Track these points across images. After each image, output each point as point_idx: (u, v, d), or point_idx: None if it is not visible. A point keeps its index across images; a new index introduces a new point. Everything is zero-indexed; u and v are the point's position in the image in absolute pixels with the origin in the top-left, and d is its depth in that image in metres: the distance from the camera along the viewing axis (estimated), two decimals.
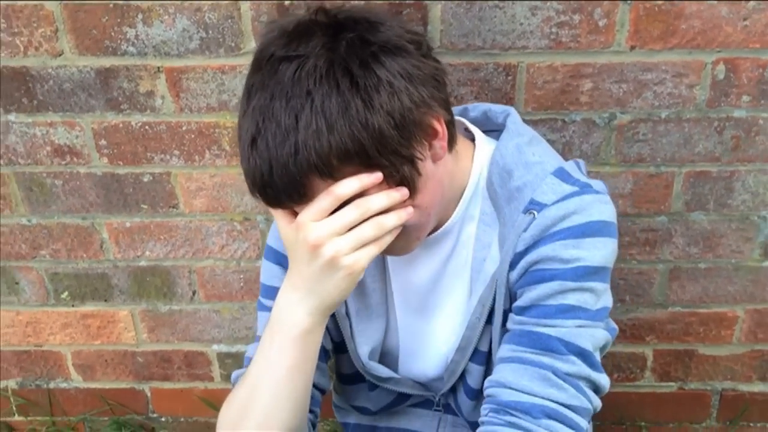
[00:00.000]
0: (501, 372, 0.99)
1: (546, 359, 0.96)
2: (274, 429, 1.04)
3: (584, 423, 0.97)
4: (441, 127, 0.94)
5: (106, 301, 1.62)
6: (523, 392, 0.96)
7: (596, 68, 1.32)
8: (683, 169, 1.41)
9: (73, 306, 1.62)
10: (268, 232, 1.19)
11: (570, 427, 0.95)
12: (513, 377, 0.97)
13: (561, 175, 1.02)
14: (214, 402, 1.73)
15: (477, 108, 1.17)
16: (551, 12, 1.27)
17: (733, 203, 1.44)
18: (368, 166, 0.89)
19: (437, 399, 1.24)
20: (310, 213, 0.92)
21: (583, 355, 0.97)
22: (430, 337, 1.18)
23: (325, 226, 0.92)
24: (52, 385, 1.74)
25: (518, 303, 1.01)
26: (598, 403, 1.00)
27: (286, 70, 0.87)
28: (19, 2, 1.29)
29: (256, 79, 0.91)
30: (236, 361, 1.67)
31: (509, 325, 1.03)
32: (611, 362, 1.64)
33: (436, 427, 1.28)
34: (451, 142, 1.00)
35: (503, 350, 1.01)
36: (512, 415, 0.96)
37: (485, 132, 1.13)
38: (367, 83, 0.87)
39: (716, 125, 1.36)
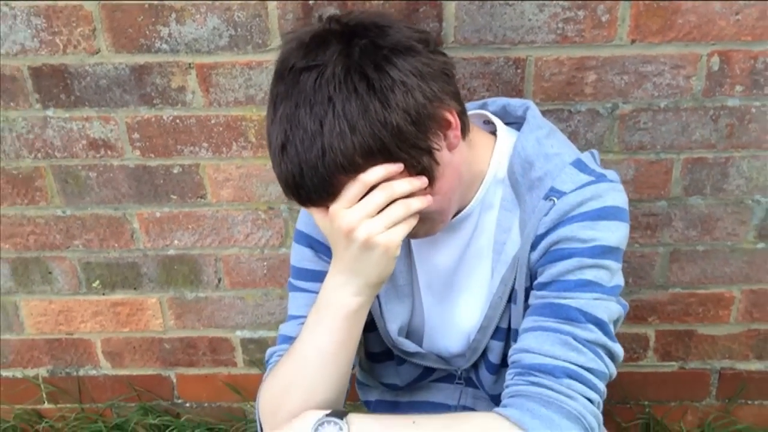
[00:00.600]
0: (524, 340, 1.07)
1: (566, 327, 1.05)
2: (316, 403, 1.12)
3: (602, 385, 1.05)
4: (453, 118, 1.03)
5: (135, 289, 1.70)
6: (545, 356, 1.04)
7: (599, 61, 1.41)
8: (681, 156, 1.50)
9: (103, 294, 1.71)
10: (298, 219, 1.27)
11: (589, 387, 1.03)
12: (536, 343, 1.05)
13: (578, 165, 1.11)
14: (237, 387, 1.81)
15: (496, 102, 1.25)
16: (558, 8, 1.36)
17: (728, 188, 1.53)
18: (390, 161, 0.98)
19: (459, 373, 1.32)
20: (341, 202, 1.00)
21: (600, 324, 1.06)
22: (454, 316, 1.26)
23: (355, 211, 1.00)
24: (81, 373, 1.82)
25: (540, 280, 1.09)
26: (613, 369, 1.08)
27: (307, 79, 0.96)
28: (60, 3, 1.38)
29: (280, 89, 0.99)
30: (259, 347, 1.75)
31: (531, 300, 1.11)
32: None
33: (458, 399, 1.35)
34: (464, 131, 1.09)
35: (526, 322, 1.09)
36: (535, 376, 1.04)
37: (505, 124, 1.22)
38: (382, 85, 0.95)
39: (712, 114, 1.46)
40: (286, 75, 0.97)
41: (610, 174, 1.12)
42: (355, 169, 0.96)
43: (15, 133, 1.52)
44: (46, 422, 1.88)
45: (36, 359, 1.81)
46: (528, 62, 1.41)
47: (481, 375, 1.29)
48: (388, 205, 1.02)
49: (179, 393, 1.85)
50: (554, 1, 1.35)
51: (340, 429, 1.02)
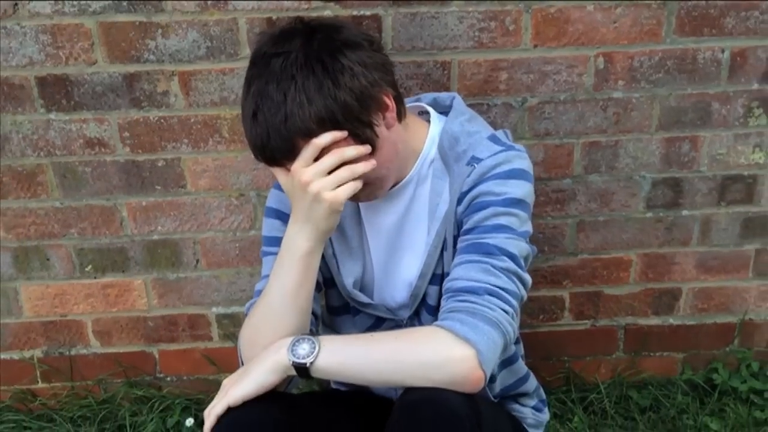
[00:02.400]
0: (454, 272, 1.37)
1: (486, 258, 1.35)
2: (286, 323, 1.40)
3: (515, 302, 1.35)
4: (390, 102, 1.35)
5: (123, 272, 1.95)
6: (470, 280, 1.34)
7: (510, 63, 1.75)
8: (580, 140, 1.84)
9: (95, 278, 1.96)
10: (267, 199, 1.57)
11: (504, 302, 1.33)
12: (463, 272, 1.35)
13: (493, 139, 1.44)
14: (213, 359, 2.06)
15: (428, 96, 1.58)
16: (474, 20, 1.70)
17: (619, 166, 1.87)
18: (338, 130, 1.29)
19: (404, 322, 1.61)
20: (299, 162, 1.30)
21: (512, 257, 1.37)
22: (398, 270, 1.55)
23: (311, 169, 1.31)
24: (73, 352, 2.05)
25: (465, 227, 1.40)
26: (524, 292, 1.39)
27: (275, 62, 1.27)
28: (64, 22, 1.67)
29: (253, 71, 1.30)
30: (232, 322, 2.01)
31: (459, 245, 1.42)
32: (537, 306, 2.03)
33: None
34: (400, 115, 1.40)
35: (455, 261, 1.40)
36: (463, 295, 1.33)
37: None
38: (334, 68, 1.27)
39: (601, 104, 1.80)
40: (259, 60, 1.28)
41: (518, 146, 1.44)
42: (310, 133, 1.27)
43: (21, 134, 1.78)
44: (40, 401, 2.09)
45: (32, 341, 2.03)
46: (452, 64, 1.74)
47: (423, 319, 1.57)
48: (338, 168, 1.32)
49: (161, 368, 2.09)
50: (471, 14, 1.69)
51: (313, 344, 1.31)
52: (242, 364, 1.46)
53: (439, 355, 1.27)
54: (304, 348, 1.31)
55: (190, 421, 2.02)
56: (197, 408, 2.07)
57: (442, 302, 1.38)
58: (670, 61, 1.75)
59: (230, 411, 1.34)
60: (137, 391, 2.08)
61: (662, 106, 1.80)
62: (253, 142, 1.30)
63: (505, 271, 1.35)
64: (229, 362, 2.00)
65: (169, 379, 2.11)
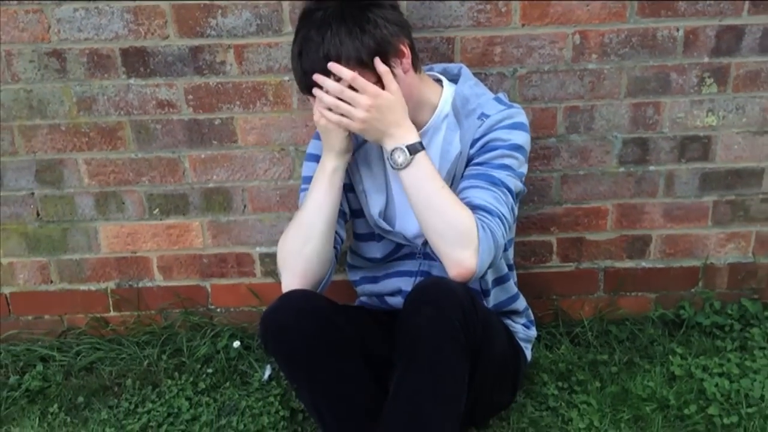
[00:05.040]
0: (470, 192, 1.75)
1: (493, 188, 1.75)
2: (315, 232, 1.81)
3: (509, 227, 1.76)
4: (407, 50, 1.75)
5: (184, 215, 2.36)
6: (487, 202, 1.73)
7: (503, 39, 2.14)
8: (562, 105, 2.22)
9: (161, 220, 2.36)
10: (307, 147, 1.99)
11: (503, 226, 1.73)
12: (479, 193, 1.74)
13: (498, 99, 1.86)
14: (257, 293, 2.45)
15: (438, 66, 2.00)
16: (473, 3, 2.09)
17: (595, 127, 2.25)
18: (364, 67, 1.69)
19: (419, 249, 1.98)
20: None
21: (510, 191, 1.77)
22: None
23: (322, 98, 1.71)
24: (140, 285, 2.46)
25: (476, 160, 1.80)
26: (513, 217, 1.81)
27: (317, 14, 1.69)
28: (144, 3, 2.09)
29: (300, 23, 1.72)
30: (272, 260, 2.40)
31: (469, 170, 1.80)
32: (529, 249, 2.40)
33: (418, 266, 2.01)
34: (416, 65, 1.80)
35: (467, 183, 1.78)
36: (480, 212, 1.72)
37: None
38: (362, 19, 1.69)
39: (578, 74, 2.18)
40: (304, 15, 1.71)
41: (516, 105, 1.86)
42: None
43: (106, 96, 2.20)
44: (111, 327, 2.50)
45: (107, 274, 2.44)
46: (456, 40, 2.14)
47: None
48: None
49: (212, 300, 2.49)
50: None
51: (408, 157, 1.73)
52: (279, 271, 1.87)
53: (462, 226, 1.67)
54: (400, 157, 1.72)
55: (237, 344, 2.41)
56: (242, 334, 2.46)
57: None
58: (635, 38, 2.14)
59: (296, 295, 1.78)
60: (193, 319, 2.47)
61: (629, 76, 2.18)
62: (298, 75, 1.71)
63: (505, 201, 1.76)
64: (271, 296, 2.34)
65: (219, 310, 2.50)
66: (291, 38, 1.75)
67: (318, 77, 1.68)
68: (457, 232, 1.67)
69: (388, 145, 1.73)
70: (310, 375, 1.77)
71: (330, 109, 1.71)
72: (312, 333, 1.74)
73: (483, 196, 1.74)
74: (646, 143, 2.26)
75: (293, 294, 1.80)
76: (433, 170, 1.73)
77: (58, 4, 2.08)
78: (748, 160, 2.28)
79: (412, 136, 1.73)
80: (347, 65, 1.66)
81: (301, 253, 1.84)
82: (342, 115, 1.71)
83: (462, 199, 1.75)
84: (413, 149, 1.71)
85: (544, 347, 2.41)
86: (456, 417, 1.70)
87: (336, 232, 1.90)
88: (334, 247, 1.91)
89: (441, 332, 1.63)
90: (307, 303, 1.78)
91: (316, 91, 1.70)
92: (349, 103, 1.69)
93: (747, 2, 2.10)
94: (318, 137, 1.96)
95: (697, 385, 2.20)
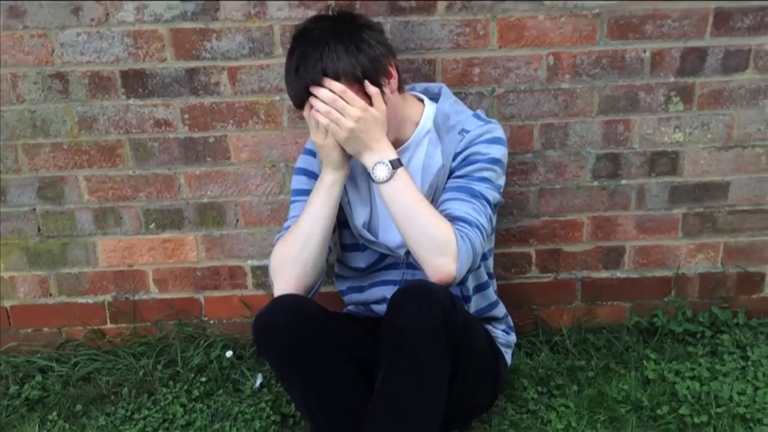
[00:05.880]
0: (450, 204, 1.87)
1: (473, 200, 1.87)
2: (312, 240, 1.92)
3: (485, 233, 1.87)
4: (394, 72, 1.88)
5: (179, 229, 2.47)
6: (466, 213, 1.85)
7: (481, 60, 2.27)
8: (538, 122, 2.35)
9: (157, 234, 2.47)
10: (297, 162, 2.11)
11: (481, 236, 1.85)
12: (459, 205, 1.86)
13: (476, 116, 2.00)
14: (249, 304, 2.55)
15: (420, 85, 2.13)
16: (453, 27, 2.23)
17: (569, 143, 2.38)
18: (358, 84, 1.81)
19: (401, 259, 2.10)
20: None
21: (488, 202, 1.90)
22: None
23: (316, 105, 1.83)
24: (136, 297, 2.55)
25: (457, 173, 1.92)
26: (491, 227, 1.92)
27: (314, 32, 1.82)
28: (143, 28, 2.22)
29: (297, 41, 1.85)
30: (263, 272, 2.51)
31: (450, 183, 1.93)
32: (509, 260, 2.52)
33: (401, 276, 2.12)
34: (400, 87, 1.93)
35: (448, 195, 1.90)
36: (460, 223, 1.84)
37: None
38: (357, 38, 1.82)
39: (553, 93, 2.32)
40: (300, 33, 1.84)
41: (494, 121, 1.99)
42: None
43: (106, 116, 2.32)
44: (107, 339, 2.59)
45: (104, 287, 2.54)
46: (437, 61, 2.27)
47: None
48: None
49: (206, 312, 2.59)
50: (450, 22, 2.22)
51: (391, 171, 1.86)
52: (272, 284, 1.97)
53: (441, 236, 1.79)
54: (383, 171, 1.84)
55: (229, 353, 2.51)
56: (235, 344, 2.56)
57: None
58: (605, 59, 2.28)
59: (289, 299, 1.88)
60: (187, 330, 2.57)
61: (600, 95, 2.32)
62: (294, 89, 1.83)
63: (484, 212, 1.88)
64: (262, 306, 2.48)
65: (212, 321, 2.60)
66: (282, 60, 1.89)
67: (314, 88, 1.80)
68: (436, 242, 1.79)
69: (369, 160, 1.85)
70: (301, 373, 1.87)
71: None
72: (303, 333, 1.84)
73: (463, 207, 1.86)
74: (618, 158, 2.39)
75: (284, 297, 1.91)
76: (412, 184, 1.86)
77: (62, 29, 2.21)
78: (714, 174, 2.42)
79: (393, 153, 1.86)
80: (343, 79, 1.79)
81: (296, 260, 1.95)
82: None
83: (443, 210, 1.87)
84: (395, 164, 1.83)
85: (525, 354, 2.51)
86: (437, 412, 1.80)
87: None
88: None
89: (422, 330, 1.74)
90: (297, 305, 1.89)
91: (311, 98, 1.81)
92: (340, 114, 1.81)
93: (709, 26, 2.24)
94: (307, 153, 2.09)
95: (670, 388, 2.31)
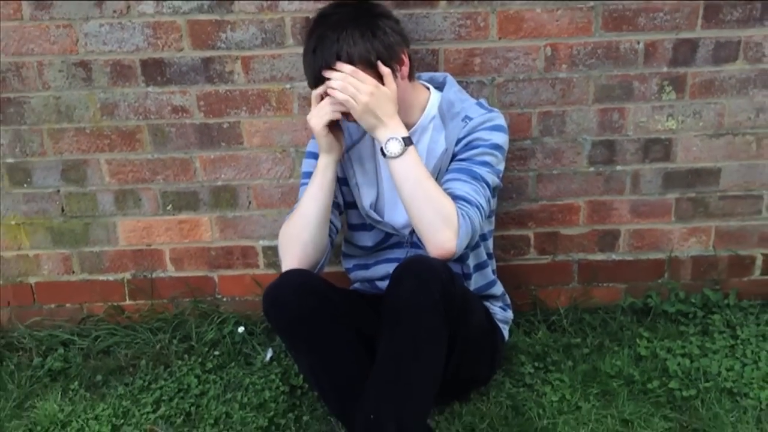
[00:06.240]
0: (452, 184, 1.98)
1: (474, 182, 1.99)
2: (311, 220, 2.05)
3: (484, 213, 1.99)
4: (406, 59, 2.00)
5: (194, 210, 2.60)
6: (466, 192, 1.97)
7: (482, 50, 2.39)
8: (536, 110, 2.46)
9: (173, 215, 2.60)
10: (307, 146, 2.23)
11: (480, 215, 1.96)
12: (461, 185, 1.98)
13: (479, 104, 2.11)
14: (260, 283, 2.68)
15: (425, 75, 2.25)
16: (455, 19, 2.35)
17: (566, 130, 2.49)
18: (371, 68, 1.93)
19: (406, 239, 2.22)
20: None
21: (488, 185, 2.01)
22: None
23: (334, 79, 1.94)
24: (154, 275, 2.69)
25: (460, 156, 2.04)
26: (489, 208, 2.04)
27: (333, 17, 1.95)
28: (162, 19, 2.35)
29: (315, 24, 1.97)
30: (274, 252, 2.63)
31: (453, 165, 2.04)
32: (509, 243, 2.63)
33: (405, 254, 2.23)
34: (411, 74, 2.05)
35: (450, 176, 2.01)
36: (461, 202, 1.95)
37: None
38: (374, 25, 1.94)
39: (550, 82, 2.43)
40: (320, 17, 1.97)
41: (496, 109, 2.11)
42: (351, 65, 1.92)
43: (127, 102, 2.45)
44: (126, 314, 2.73)
45: (124, 265, 2.68)
46: (440, 52, 2.39)
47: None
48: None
49: (219, 290, 2.72)
50: (452, 15, 2.34)
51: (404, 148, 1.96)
52: (281, 261, 2.10)
53: (445, 210, 1.90)
54: (396, 147, 1.93)
55: (241, 329, 2.64)
56: (247, 321, 2.69)
57: None
58: (600, 50, 2.39)
59: (295, 273, 2.01)
60: (201, 307, 2.70)
61: (596, 84, 2.43)
62: (311, 69, 1.96)
63: (483, 194, 1.99)
64: None
65: (225, 299, 2.73)
66: (293, 50, 2.05)
67: (327, 72, 1.92)
68: (440, 216, 1.90)
69: (383, 135, 1.95)
70: (308, 343, 2.00)
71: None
72: (309, 305, 1.97)
73: (464, 188, 1.97)
74: (613, 145, 2.50)
75: (292, 272, 2.04)
76: (421, 162, 1.97)
77: (86, 20, 2.34)
78: (706, 161, 2.52)
79: (405, 131, 1.96)
80: (358, 63, 1.91)
81: (299, 238, 2.07)
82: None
83: (446, 190, 1.97)
84: (407, 141, 1.94)
85: (523, 333, 2.63)
86: (435, 379, 1.92)
87: (331, 222, 2.14)
88: (329, 235, 2.15)
89: (422, 301, 1.86)
90: (304, 279, 2.02)
91: (327, 73, 1.92)
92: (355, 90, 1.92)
93: (700, 18, 2.35)
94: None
95: (661, 364, 2.42)
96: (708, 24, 2.36)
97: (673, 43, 2.38)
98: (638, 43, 2.38)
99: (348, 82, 1.91)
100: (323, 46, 1.92)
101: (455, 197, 1.94)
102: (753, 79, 2.42)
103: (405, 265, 1.93)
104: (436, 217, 1.90)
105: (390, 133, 1.94)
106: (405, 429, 1.84)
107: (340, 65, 1.91)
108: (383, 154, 1.95)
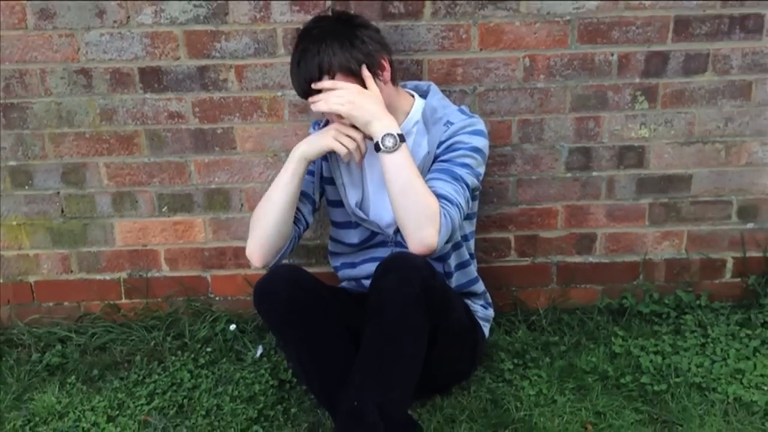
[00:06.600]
0: (434, 183, 2.07)
1: (453, 182, 2.10)
2: (277, 207, 2.15)
3: (462, 212, 2.09)
4: (387, 65, 2.12)
5: (189, 212, 2.71)
6: (447, 192, 2.07)
7: (464, 61, 2.51)
8: (516, 118, 2.59)
9: (169, 216, 2.71)
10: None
11: (459, 214, 2.07)
12: (442, 185, 2.08)
13: (461, 110, 2.24)
14: (251, 283, 2.78)
15: (410, 83, 2.37)
16: (438, 31, 2.47)
17: (545, 137, 2.61)
18: (353, 77, 2.05)
19: (390, 238, 2.33)
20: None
21: (467, 185, 2.12)
22: (386, 197, 2.24)
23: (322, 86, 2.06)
24: (149, 275, 2.80)
25: (441, 158, 2.15)
26: (467, 208, 2.14)
27: (314, 31, 2.06)
28: (159, 29, 2.46)
29: (299, 39, 2.09)
30: None
31: (435, 166, 2.15)
32: (490, 245, 2.75)
33: (390, 253, 2.33)
34: (393, 79, 2.17)
35: (432, 175, 2.11)
36: (441, 199, 2.05)
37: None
38: (352, 35, 2.06)
39: (529, 92, 2.56)
40: (303, 32, 2.08)
41: (476, 115, 2.22)
42: (332, 76, 2.04)
43: (125, 108, 2.57)
44: (122, 313, 2.83)
45: (120, 265, 2.78)
46: (424, 62, 2.51)
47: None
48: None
49: (212, 289, 2.83)
50: (436, 27, 2.46)
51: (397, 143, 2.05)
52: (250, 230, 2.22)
53: (430, 209, 1.99)
54: (391, 141, 2.02)
55: (233, 327, 2.75)
56: (238, 319, 2.80)
57: None
58: (576, 62, 2.52)
59: (284, 268, 2.12)
60: (194, 306, 2.81)
61: (572, 94, 2.56)
62: (297, 82, 2.08)
63: (463, 195, 2.10)
64: None
65: (217, 298, 2.84)
66: (284, 60, 2.16)
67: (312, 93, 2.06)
68: (425, 213, 1.99)
69: (379, 130, 2.03)
70: (298, 335, 2.10)
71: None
72: (300, 298, 2.08)
73: (445, 187, 2.08)
74: (589, 152, 2.63)
75: (281, 267, 2.15)
76: (412, 160, 2.06)
77: (87, 29, 2.46)
78: (678, 168, 2.65)
79: (398, 128, 2.06)
80: (339, 72, 2.03)
81: (264, 221, 2.18)
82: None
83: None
84: (401, 138, 2.04)
85: (504, 332, 2.74)
86: (415, 369, 2.02)
87: (301, 212, 2.27)
88: (297, 226, 2.26)
89: (404, 295, 1.96)
90: (295, 275, 2.13)
91: (318, 84, 2.04)
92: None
93: (670, 32, 2.48)
94: (313, 127, 2.33)
95: (634, 361, 2.53)
96: (678, 37, 2.49)
97: (645, 56, 2.51)
98: (612, 55, 2.51)
99: (331, 95, 2.02)
100: (306, 59, 2.04)
101: (437, 195, 2.05)
102: (722, 90, 2.55)
103: (387, 262, 2.04)
104: (422, 213, 1.99)
105: (385, 129, 2.03)
106: (387, 415, 1.94)
107: (321, 84, 2.03)
108: (377, 149, 2.03)
